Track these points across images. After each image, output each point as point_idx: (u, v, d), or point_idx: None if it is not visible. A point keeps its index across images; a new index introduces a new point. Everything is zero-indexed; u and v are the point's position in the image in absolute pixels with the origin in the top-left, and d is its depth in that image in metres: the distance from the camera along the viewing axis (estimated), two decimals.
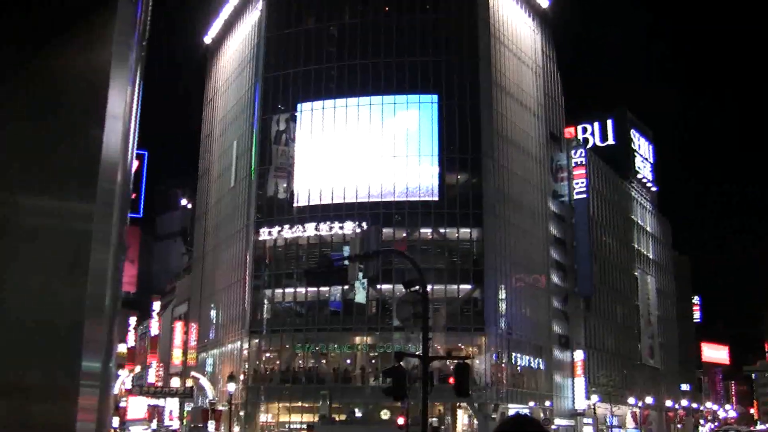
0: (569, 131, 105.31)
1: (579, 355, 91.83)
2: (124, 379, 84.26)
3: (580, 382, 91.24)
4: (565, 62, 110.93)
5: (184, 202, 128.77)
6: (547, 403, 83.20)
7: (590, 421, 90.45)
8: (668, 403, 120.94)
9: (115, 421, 75.31)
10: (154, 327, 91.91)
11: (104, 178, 2.30)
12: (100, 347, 2.27)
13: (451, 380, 27.29)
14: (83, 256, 2.20)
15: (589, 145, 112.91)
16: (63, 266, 2.17)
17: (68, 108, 2.25)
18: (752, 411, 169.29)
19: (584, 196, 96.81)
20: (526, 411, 74.16)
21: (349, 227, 75.58)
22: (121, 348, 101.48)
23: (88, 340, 2.18)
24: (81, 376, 2.14)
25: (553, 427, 79.68)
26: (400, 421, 56.05)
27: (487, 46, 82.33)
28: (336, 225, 76.98)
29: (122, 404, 79.90)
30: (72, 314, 2.15)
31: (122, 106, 2.44)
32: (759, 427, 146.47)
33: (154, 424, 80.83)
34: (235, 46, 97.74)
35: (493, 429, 5.51)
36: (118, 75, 2.38)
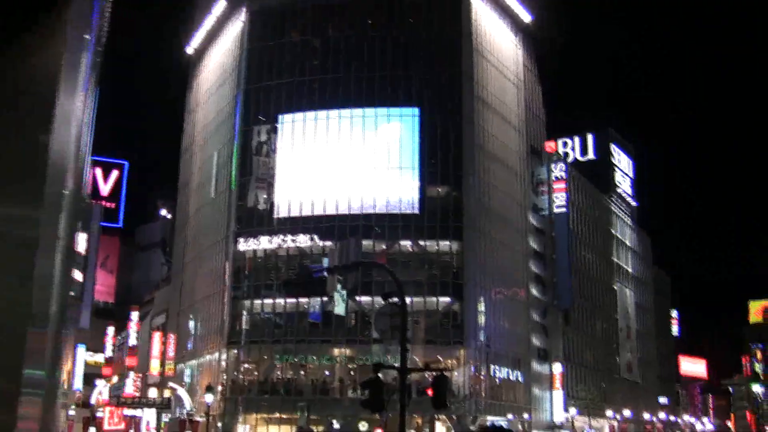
0: (550, 145, 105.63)
1: (557, 368, 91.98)
2: (101, 389, 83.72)
3: (558, 394, 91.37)
4: (547, 77, 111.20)
5: (164, 212, 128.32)
6: (526, 416, 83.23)
7: None
8: (646, 416, 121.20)
9: None
10: (132, 337, 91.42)
11: (52, 184, 2.26)
12: (45, 355, 2.23)
13: (430, 392, 27.21)
14: (28, 263, 2.16)
15: (570, 160, 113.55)
16: (7, 273, 2.13)
17: (15, 112, 2.21)
18: (729, 424, 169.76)
19: (564, 210, 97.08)
20: (503, 423, 74.22)
21: (329, 239, 75.52)
22: (99, 358, 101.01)
23: (31, 348, 2.14)
24: (23, 383, 2.09)
25: None
26: None
27: (470, 60, 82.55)
28: (316, 237, 76.92)
29: (100, 414, 79.32)
30: (15, 321, 2.11)
31: (74, 111, 2.40)
32: None
33: None
34: (217, 57, 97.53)
35: None
36: (70, 79, 2.35)
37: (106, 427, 78.34)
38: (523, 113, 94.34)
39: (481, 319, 78.16)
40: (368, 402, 24.97)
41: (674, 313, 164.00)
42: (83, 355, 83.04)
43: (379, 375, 26.62)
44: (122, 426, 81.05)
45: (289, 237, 78.27)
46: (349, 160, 79.07)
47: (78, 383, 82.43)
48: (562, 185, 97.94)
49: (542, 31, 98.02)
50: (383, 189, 77.91)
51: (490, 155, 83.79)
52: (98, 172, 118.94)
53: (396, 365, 26.96)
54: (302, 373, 77.64)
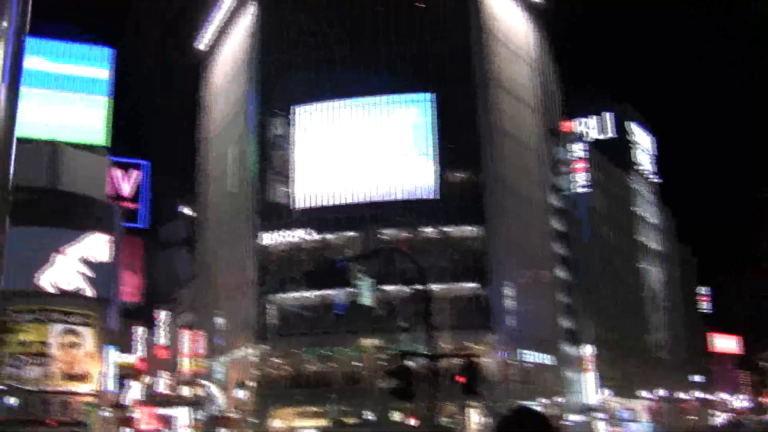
0: (568, 125, 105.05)
1: (588, 349, 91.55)
2: (133, 389, 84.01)
3: (590, 376, 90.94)
4: (562, 56, 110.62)
5: (187, 210, 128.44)
6: (559, 399, 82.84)
7: (603, 415, 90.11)
8: (680, 394, 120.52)
9: None
10: (162, 336, 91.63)
11: None
12: None
13: (461, 379, 27.00)
14: None
15: (589, 139, 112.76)
16: None
17: None
18: (765, 400, 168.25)
19: (585, 189, 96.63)
20: (537, 408, 73.94)
21: (351, 229, 75.45)
22: (129, 358, 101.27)
23: None
24: None
25: (565, 422, 79.37)
26: (412, 421, 55.97)
27: (482, 42, 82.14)
28: (337, 227, 76.84)
29: (134, 415, 79.71)
30: None
31: None
32: None
33: None
34: (229, 52, 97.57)
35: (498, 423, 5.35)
36: None
37: (140, 426, 78.86)
38: (539, 93, 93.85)
39: (508, 303, 77.77)
40: (396, 391, 24.81)
41: (704, 290, 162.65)
42: (114, 357, 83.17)
43: (409, 363, 26.47)
44: (156, 425, 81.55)
45: (311, 229, 78.25)
46: (367, 149, 78.96)
47: (111, 385, 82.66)
48: (582, 165, 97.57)
49: (555, 9, 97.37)
50: (402, 176, 77.73)
51: (507, 137, 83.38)
52: (119, 173, 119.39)
53: (424, 353, 26.88)
54: (332, 365, 77.61)
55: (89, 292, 77.50)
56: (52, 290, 76.06)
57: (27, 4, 2.61)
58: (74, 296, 77.43)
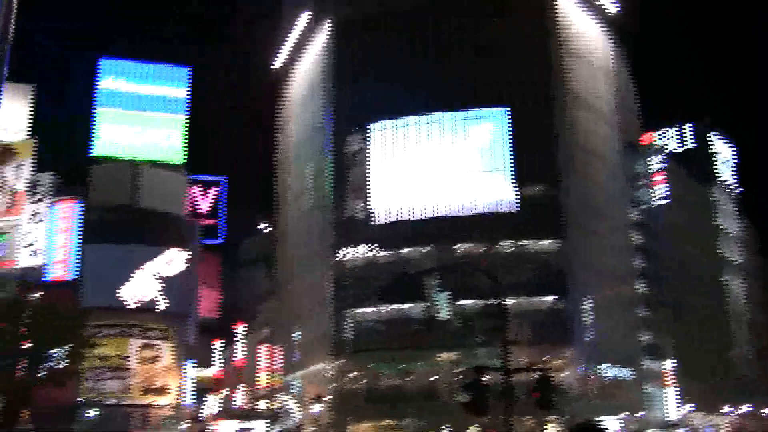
0: (646, 137, 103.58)
1: (668, 364, 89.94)
2: (212, 403, 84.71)
3: (671, 391, 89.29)
4: (639, 68, 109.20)
5: (263, 226, 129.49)
6: (639, 415, 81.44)
7: (684, 431, 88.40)
8: (766, 411, 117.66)
9: None
10: (239, 351, 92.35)
11: None
12: None
13: (535, 394, 26.55)
14: None
15: (668, 151, 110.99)
16: None
17: None
18: None
19: (665, 202, 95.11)
20: (616, 423, 72.92)
21: (428, 244, 75.26)
22: (208, 373, 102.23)
23: None
24: None
25: None
26: None
27: (557, 56, 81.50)
28: (414, 242, 76.70)
29: (212, 428, 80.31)
30: None
31: None
32: None
33: None
34: (304, 70, 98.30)
35: None
36: None
37: None
38: (616, 106, 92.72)
39: (587, 318, 76.81)
40: (470, 405, 24.43)
41: None
42: (192, 371, 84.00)
43: (483, 377, 26.09)
44: None
45: (387, 244, 78.27)
46: (443, 164, 78.78)
47: (189, 399, 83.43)
48: (662, 177, 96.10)
49: (632, 22, 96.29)
50: (479, 191, 77.36)
51: (584, 150, 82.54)
52: (197, 190, 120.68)
53: (497, 367, 26.49)
54: (409, 379, 77.37)
55: (164, 305, 78.45)
56: (132, 305, 77.15)
57: (12, 13, 2.47)
58: (152, 312, 78.46)
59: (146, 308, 77.94)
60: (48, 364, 58.58)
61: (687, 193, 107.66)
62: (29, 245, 78.06)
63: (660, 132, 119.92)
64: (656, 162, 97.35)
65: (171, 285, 79.47)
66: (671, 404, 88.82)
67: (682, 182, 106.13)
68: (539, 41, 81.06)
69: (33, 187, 79.38)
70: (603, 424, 5.17)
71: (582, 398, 72.12)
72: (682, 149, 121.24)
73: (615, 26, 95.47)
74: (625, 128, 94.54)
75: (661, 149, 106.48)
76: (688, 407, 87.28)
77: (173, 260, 79.77)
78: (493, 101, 79.42)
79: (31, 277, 78.04)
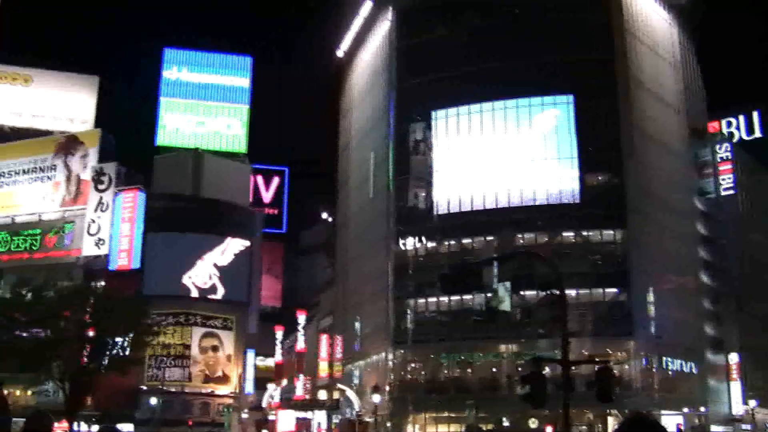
0: (713, 125, 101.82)
1: (734, 357, 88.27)
2: (272, 392, 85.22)
3: (736, 386, 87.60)
4: (706, 54, 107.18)
5: (325, 215, 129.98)
6: (702, 409, 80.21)
7: (749, 427, 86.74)
8: None
9: None
10: (300, 340, 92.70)
11: None
12: None
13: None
14: None
15: (735, 140, 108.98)
16: None
17: None
18: None
19: (732, 192, 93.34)
20: (680, 418, 71.95)
21: (490, 234, 74.86)
22: (269, 362, 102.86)
23: None
24: None
25: None
26: (549, 429, 55.09)
27: (621, 42, 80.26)
28: (476, 232, 76.36)
29: (272, 417, 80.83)
30: None
31: None
32: None
33: None
34: (367, 58, 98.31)
35: None
36: None
37: (277, 429, 79.87)
38: (682, 93, 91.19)
39: (650, 310, 75.75)
40: (529, 397, 24.23)
41: None
42: (253, 360, 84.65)
43: (543, 369, 25.86)
44: (294, 428, 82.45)
45: (449, 234, 78.03)
46: (506, 153, 78.18)
47: (250, 387, 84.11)
48: (729, 166, 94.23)
49: (697, 7, 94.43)
50: (542, 180, 76.64)
51: (649, 138, 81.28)
52: (259, 180, 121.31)
53: (556, 359, 26.18)
54: (469, 370, 77.13)
55: (222, 292, 79.05)
56: (195, 292, 77.89)
57: None
58: (213, 300, 79.13)
59: (207, 297, 78.70)
60: (111, 352, 59.48)
61: (754, 182, 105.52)
62: (94, 234, 79.23)
63: (727, 120, 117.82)
64: (722, 151, 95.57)
65: (232, 274, 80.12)
66: (735, 399, 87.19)
67: (750, 171, 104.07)
68: (603, 27, 79.92)
69: (98, 176, 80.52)
70: (655, 417, 4.90)
71: (643, 391, 71.26)
72: (750, 138, 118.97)
73: (680, 12, 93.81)
74: (690, 116, 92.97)
75: (727, 137, 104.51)
76: (752, 402, 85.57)
77: (230, 249, 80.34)
78: (558, 89, 78.60)
79: (96, 266, 79.35)
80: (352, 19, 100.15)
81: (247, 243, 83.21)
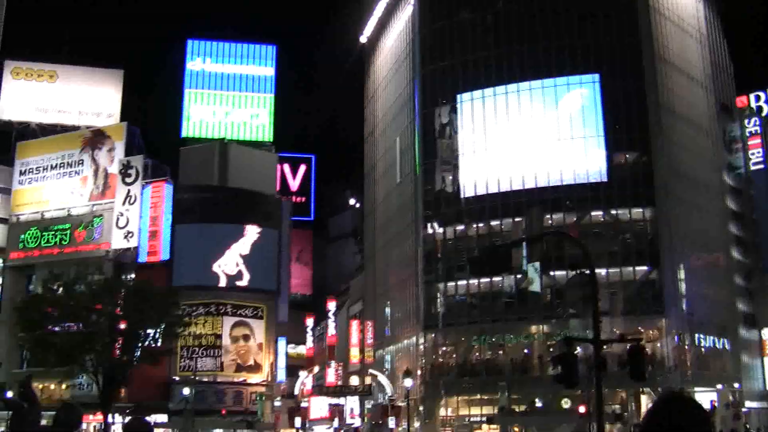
0: (741, 100, 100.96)
1: (767, 333, 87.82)
2: (304, 380, 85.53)
3: None
4: (733, 29, 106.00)
5: (352, 202, 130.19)
6: (736, 386, 79.76)
7: None
8: None
9: (298, 422, 76.59)
10: (331, 327, 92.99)
11: None
12: None
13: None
14: None
15: (764, 114, 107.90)
16: None
17: None
18: None
19: (762, 167, 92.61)
20: (713, 394, 71.51)
21: (519, 215, 74.67)
22: (300, 349, 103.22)
23: None
24: None
25: (743, 410, 76.36)
26: (582, 409, 54.87)
27: (647, 19, 79.58)
28: (504, 214, 76.17)
29: (304, 405, 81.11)
30: None
31: None
32: None
33: (336, 423, 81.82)
34: (390, 43, 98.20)
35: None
36: None
37: (310, 416, 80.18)
38: (709, 69, 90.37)
39: (682, 287, 75.34)
40: (561, 377, 24.17)
41: None
42: (285, 348, 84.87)
43: (575, 349, 25.74)
44: (327, 414, 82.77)
45: (477, 217, 77.89)
46: (532, 134, 77.81)
47: (281, 375, 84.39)
48: (758, 141, 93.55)
49: None
50: (569, 160, 76.25)
51: (677, 116, 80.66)
52: (286, 168, 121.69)
53: (588, 338, 26.09)
54: (500, 353, 77.05)
55: (249, 279, 79.27)
56: (223, 280, 78.17)
57: None
58: (243, 289, 79.39)
59: (235, 283, 78.99)
60: (144, 344, 59.90)
61: None
62: (123, 227, 79.62)
63: (755, 94, 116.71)
64: (751, 125, 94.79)
65: (260, 262, 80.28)
66: None
67: None
68: (628, 5, 79.27)
69: (125, 169, 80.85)
70: (690, 395, 4.79)
71: (676, 369, 70.91)
72: None
73: None
74: (718, 91, 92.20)
75: (756, 112, 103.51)
76: None
77: (254, 237, 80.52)
78: (584, 68, 78.12)
79: (126, 259, 79.80)
80: (375, 5, 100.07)
81: (277, 231, 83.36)
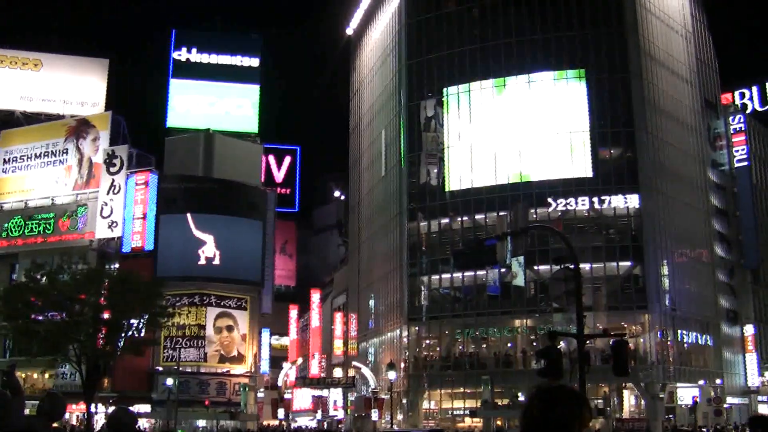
0: (726, 97, 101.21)
1: (749, 329, 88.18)
2: (287, 371, 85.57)
3: (751, 358, 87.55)
4: (718, 25, 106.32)
5: (337, 194, 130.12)
6: (718, 381, 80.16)
7: (765, 398, 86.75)
8: None
9: (281, 413, 76.66)
10: (315, 319, 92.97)
11: None
12: None
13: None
14: None
15: (749, 111, 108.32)
16: None
17: None
18: None
19: (746, 164, 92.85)
20: (696, 390, 71.93)
21: (503, 209, 74.73)
22: (284, 341, 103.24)
23: None
24: None
25: (725, 405, 76.79)
26: None
27: (633, 15, 79.72)
28: (489, 207, 76.22)
29: (288, 396, 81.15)
30: None
31: None
32: None
33: (319, 415, 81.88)
34: (376, 36, 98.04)
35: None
36: None
37: (293, 407, 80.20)
38: (694, 65, 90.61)
39: (665, 282, 75.60)
40: (545, 371, 24.27)
41: None
42: (268, 339, 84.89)
43: (558, 343, 25.80)
44: (310, 406, 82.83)
45: (462, 210, 77.97)
46: (518, 128, 77.87)
47: (265, 367, 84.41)
48: (742, 138, 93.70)
49: None
50: (554, 154, 76.39)
51: (662, 111, 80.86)
52: (271, 159, 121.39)
53: (571, 333, 26.17)
54: (484, 346, 77.28)
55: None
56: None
57: None
58: (228, 281, 79.41)
59: (221, 276, 79.02)
60: (127, 334, 59.83)
61: None
62: (107, 217, 79.46)
63: (740, 91, 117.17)
64: (736, 122, 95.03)
65: (244, 254, 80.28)
66: (751, 370, 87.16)
67: (763, 142, 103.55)
68: (615, 0, 79.48)
69: (109, 159, 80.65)
70: (572, 387, 4.73)
71: (659, 364, 71.21)
72: (763, 108, 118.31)
73: None
74: (703, 88, 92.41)
75: (741, 109, 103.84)
76: None
77: (245, 229, 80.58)
78: (570, 63, 78.32)
79: (110, 248, 79.68)
80: None
81: (261, 223, 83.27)
